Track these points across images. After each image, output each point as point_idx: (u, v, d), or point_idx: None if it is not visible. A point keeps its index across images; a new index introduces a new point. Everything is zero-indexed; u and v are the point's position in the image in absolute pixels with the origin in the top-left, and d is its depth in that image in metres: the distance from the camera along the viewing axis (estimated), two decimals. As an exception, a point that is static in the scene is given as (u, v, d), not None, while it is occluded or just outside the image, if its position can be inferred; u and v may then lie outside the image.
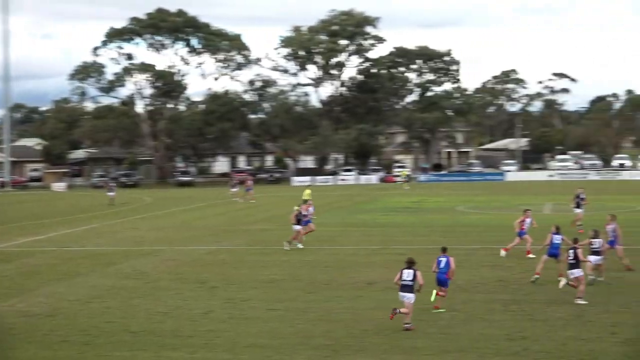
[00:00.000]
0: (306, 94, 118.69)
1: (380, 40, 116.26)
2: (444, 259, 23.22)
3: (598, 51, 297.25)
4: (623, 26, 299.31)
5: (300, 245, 36.23)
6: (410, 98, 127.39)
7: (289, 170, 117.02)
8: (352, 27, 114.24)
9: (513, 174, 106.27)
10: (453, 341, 19.53)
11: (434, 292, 22.99)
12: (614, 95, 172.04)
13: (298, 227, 36.82)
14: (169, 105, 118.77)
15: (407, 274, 21.04)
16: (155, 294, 25.88)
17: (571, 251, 23.54)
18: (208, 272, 29.99)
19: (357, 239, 39.61)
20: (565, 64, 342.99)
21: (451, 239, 38.00)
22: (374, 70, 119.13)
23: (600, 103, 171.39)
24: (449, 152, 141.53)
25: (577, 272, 23.30)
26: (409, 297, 20.92)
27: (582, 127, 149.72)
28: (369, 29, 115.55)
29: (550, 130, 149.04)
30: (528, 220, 32.22)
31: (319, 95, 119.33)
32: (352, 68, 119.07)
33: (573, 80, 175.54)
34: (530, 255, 30.87)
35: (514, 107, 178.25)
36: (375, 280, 27.39)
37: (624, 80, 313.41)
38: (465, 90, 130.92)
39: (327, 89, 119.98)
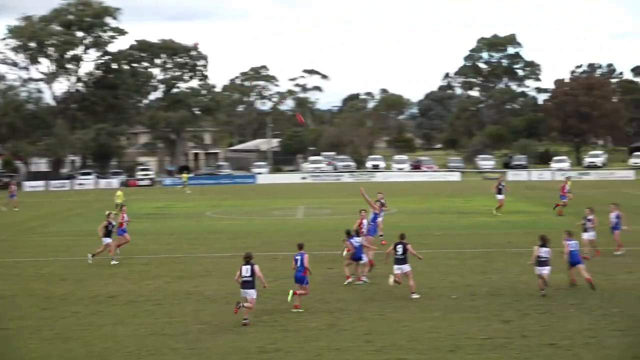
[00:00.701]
0: (39, 91, 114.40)
1: (121, 32, 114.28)
2: (299, 257, 24.15)
3: (351, 48, 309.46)
4: (377, 23, 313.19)
5: (114, 262, 33.33)
6: (154, 95, 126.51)
7: (19, 175, 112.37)
8: (90, 18, 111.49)
9: (264, 176, 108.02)
10: (201, 356, 19.53)
11: (291, 292, 23.85)
12: (368, 93, 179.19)
13: (108, 240, 33.69)
14: None
15: (246, 270, 22.40)
16: None
17: (399, 246, 25.24)
18: None
19: (96, 249, 38.56)
20: (318, 61, 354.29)
21: (200, 247, 38.10)
22: (114, 65, 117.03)
23: (353, 101, 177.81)
24: (196, 154, 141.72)
25: (405, 268, 25.36)
26: (250, 293, 22.35)
27: (335, 127, 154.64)
28: (108, 21, 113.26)
29: (302, 130, 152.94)
30: (365, 222, 32.87)
31: (53, 91, 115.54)
32: (90, 62, 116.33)
33: (325, 77, 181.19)
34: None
35: (264, 106, 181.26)
36: (116, 294, 26.91)
37: (377, 78, 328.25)
38: (213, 87, 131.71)
39: (63, 85, 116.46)
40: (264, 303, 24.78)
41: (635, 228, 42.79)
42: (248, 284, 22.49)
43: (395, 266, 25.71)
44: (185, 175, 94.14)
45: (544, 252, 25.56)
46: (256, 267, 22.62)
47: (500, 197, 51.60)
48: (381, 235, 35.42)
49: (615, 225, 33.81)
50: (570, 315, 22.72)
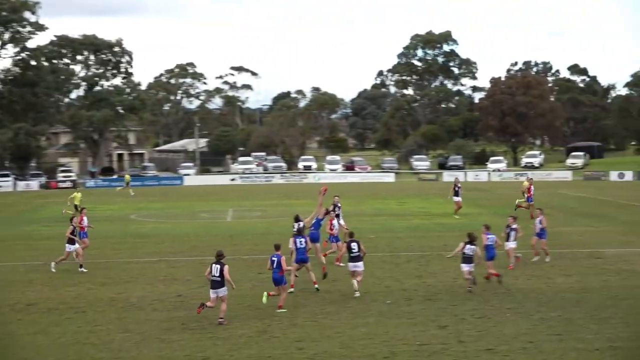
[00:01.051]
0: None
1: (40, 27, 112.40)
2: (276, 258, 24.32)
3: (282, 45, 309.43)
4: (310, 19, 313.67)
5: (83, 269, 32.12)
6: (76, 93, 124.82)
7: None
8: (6, 12, 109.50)
9: (192, 177, 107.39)
10: (127, 366, 19.35)
11: (265, 294, 24.26)
12: (299, 92, 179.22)
13: (73, 247, 32.22)
14: None
15: (215, 269, 22.89)
16: None
17: (354, 244, 26.20)
18: None
19: (16, 254, 38.03)
20: (248, 59, 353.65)
21: (124, 251, 37.74)
22: (33, 62, 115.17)
23: (284, 100, 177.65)
24: (120, 154, 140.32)
25: (360, 266, 26.45)
26: (220, 292, 22.92)
27: (266, 127, 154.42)
28: (27, 15, 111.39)
29: (232, 130, 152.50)
30: (335, 222, 33.29)
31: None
32: (7, 59, 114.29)
33: (255, 75, 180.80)
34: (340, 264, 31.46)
35: (192, 104, 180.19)
36: (36, 301, 26.49)
37: (310, 76, 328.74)
38: (138, 85, 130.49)
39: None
40: (193, 309, 24.61)
41: (574, 230, 43.59)
42: (217, 284, 22.94)
43: (351, 264, 26.43)
44: (128, 177, 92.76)
45: (469, 249, 26.40)
46: (225, 268, 22.93)
47: (457, 199, 51.93)
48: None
49: (541, 231, 32.57)
50: (507, 319, 22.98)
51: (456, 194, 52.00)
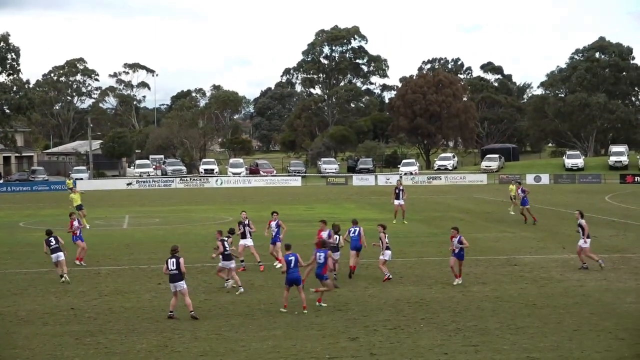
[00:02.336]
0: None
1: None
2: (293, 257, 25.44)
3: (182, 41, 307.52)
4: (211, 13, 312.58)
5: (65, 279, 31.34)
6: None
7: None
8: None
9: (85, 182, 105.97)
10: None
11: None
12: (199, 90, 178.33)
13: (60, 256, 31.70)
14: None
15: (172, 263, 24.50)
16: None
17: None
18: None
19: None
20: (144, 55, 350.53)
21: (12, 261, 37.05)
22: None
23: (183, 99, 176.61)
24: (6, 157, 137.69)
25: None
26: (179, 285, 24.47)
27: (164, 127, 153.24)
28: None
29: (127, 131, 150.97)
30: (273, 223, 34.01)
31: None
32: None
33: (151, 72, 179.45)
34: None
35: (84, 104, 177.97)
36: None
37: (211, 74, 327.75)
38: (27, 83, 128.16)
39: None
40: (87, 323, 24.31)
41: (489, 235, 44.28)
42: (176, 277, 24.50)
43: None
44: (69, 182, 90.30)
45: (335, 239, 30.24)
46: (182, 260, 24.62)
47: (397, 202, 51.53)
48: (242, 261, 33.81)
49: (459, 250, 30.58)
50: (421, 330, 23.20)
51: (397, 197, 51.60)
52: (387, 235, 30.77)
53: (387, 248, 30.51)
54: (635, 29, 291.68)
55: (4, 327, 24.33)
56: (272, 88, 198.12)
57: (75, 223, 36.27)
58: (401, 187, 52.23)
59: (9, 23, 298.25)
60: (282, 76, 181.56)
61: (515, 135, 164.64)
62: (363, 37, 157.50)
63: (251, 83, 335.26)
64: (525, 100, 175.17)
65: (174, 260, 24.53)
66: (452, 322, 24.07)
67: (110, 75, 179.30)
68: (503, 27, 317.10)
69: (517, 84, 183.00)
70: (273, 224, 34.29)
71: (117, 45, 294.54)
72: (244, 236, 33.55)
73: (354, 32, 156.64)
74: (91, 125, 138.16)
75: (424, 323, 24.04)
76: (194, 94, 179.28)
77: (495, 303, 26.61)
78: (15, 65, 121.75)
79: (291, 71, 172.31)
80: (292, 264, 25.37)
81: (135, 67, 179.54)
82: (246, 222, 33.91)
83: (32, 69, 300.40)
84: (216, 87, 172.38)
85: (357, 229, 31.59)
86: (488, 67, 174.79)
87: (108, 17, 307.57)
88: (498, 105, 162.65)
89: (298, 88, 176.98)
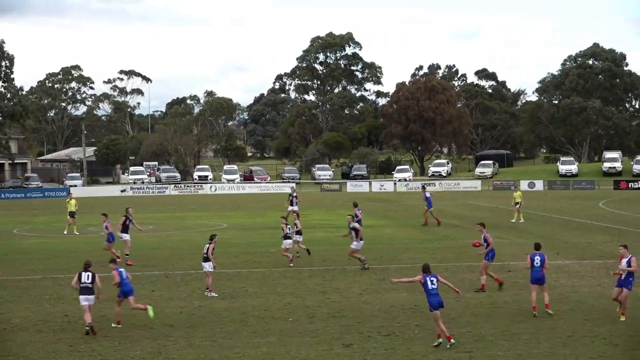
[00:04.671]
0: None
1: None
2: (539, 257, 25.43)
3: (177, 48, 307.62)
4: (205, 20, 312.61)
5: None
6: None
7: None
8: None
9: (79, 189, 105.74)
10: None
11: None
12: (193, 97, 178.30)
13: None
14: None
15: (86, 277, 24.11)
16: None
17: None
18: None
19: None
20: (140, 62, 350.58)
21: (6, 268, 36.97)
22: None
23: (178, 106, 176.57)
24: (1, 165, 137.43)
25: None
26: (90, 299, 24.05)
27: (158, 134, 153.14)
28: None
29: (121, 138, 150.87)
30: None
31: None
32: None
33: (146, 79, 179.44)
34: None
35: (78, 111, 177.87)
36: None
37: (205, 81, 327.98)
38: (20, 90, 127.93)
39: None
40: (80, 331, 24.28)
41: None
42: (88, 290, 24.08)
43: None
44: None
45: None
46: (97, 276, 24.34)
47: (292, 208, 51.84)
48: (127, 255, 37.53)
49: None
50: (415, 337, 23.21)
51: (291, 203, 52.43)
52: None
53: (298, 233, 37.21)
54: (632, 35, 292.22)
55: (-3, 335, 24.31)
56: (266, 94, 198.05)
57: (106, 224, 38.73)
58: (295, 194, 53.51)
59: (6, 29, 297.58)
60: (274, 82, 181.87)
61: (509, 141, 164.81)
62: (357, 44, 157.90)
63: (247, 89, 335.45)
64: (520, 106, 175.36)
65: (89, 274, 24.16)
66: (446, 328, 24.08)
67: (105, 82, 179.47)
68: (499, 34, 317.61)
69: (512, 91, 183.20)
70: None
71: (113, 52, 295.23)
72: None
73: (348, 38, 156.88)
74: (85, 132, 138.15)
75: (418, 329, 24.05)
76: (188, 101, 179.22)
77: (490, 309, 26.65)
78: (9, 73, 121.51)
79: (284, 78, 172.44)
80: (537, 262, 25.59)
81: (130, 74, 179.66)
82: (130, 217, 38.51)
83: (27, 76, 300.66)
84: (210, 94, 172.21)
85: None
86: (482, 73, 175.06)
87: (104, 24, 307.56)
88: (492, 111, 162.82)
89: (292, 94, 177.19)
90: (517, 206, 55.68)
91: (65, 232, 52.26)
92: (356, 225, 35.33)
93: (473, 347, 21.99)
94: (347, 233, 35.41)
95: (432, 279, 22.10)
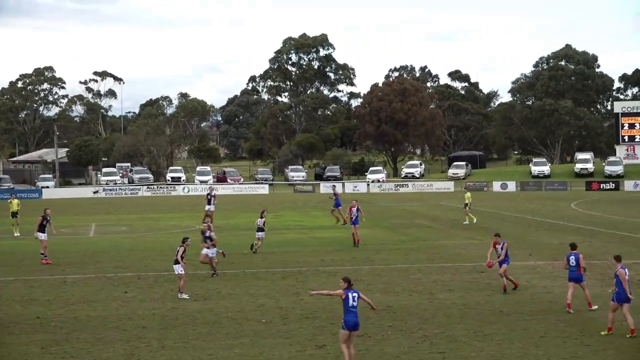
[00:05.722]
0: None
1: None
2: (573, 257, 25.88)
3: (151, 48, 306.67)
4: (177, 20, 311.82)
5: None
6: None
7: None
8: None
9: (51, 190, 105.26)
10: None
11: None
12: (165, 98, 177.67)
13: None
14: None
15: None
16: None
17: None
18: None
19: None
20: (113, 63, 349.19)
21: (-24, 271, 36.68)
22: None
23: (150, 107, 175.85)
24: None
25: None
26: None
27: (131, 135, 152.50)
28: None
29: (94, 139, 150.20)
30: (354, 209, 43.27)
31: None
32: None
33: (119, 80, 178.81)
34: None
35: (50, 111, 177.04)
36: None
37: (179, 82, 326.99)
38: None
39: None
40: (55, 332, 24.14)
41: (456, 243, 44.43)
42: None
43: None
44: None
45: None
46: None
47: (209, 207, 54.64)
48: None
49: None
50: (388, 337, 23.23)
51: (209, 202, 55.77)
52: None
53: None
54: (605, 37, 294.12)
55: (-32, 337, 24.10)
56: (239, 96, 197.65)
57: None
58: (213, 194, 57.34)
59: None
60: (247, 84, 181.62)
61: (482, 142, 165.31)
62: (330, 45, 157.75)
63: (221, 90, 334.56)
64: (492, 107, 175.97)
65: None
66: (419, 329, 24.11)
67: (80, 82, 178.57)
68: (474, 36, 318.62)
69: (485, 92, 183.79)
70: (354, 209, 43.53)
71: (86, 53, 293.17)
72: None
73: (322, 40, 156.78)
74: (57, 133, 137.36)
75: (391, 330, 24.07)
76: (161, 102, 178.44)
77: (462, 310, 26.71)
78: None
79: (257, 79, 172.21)
80: (572, 262, 25.88)
81: (103, 75, 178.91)
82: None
83: (2, 76, 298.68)
84: (183, 95, 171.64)
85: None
86: (455, 75, 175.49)
87: (78, 24, 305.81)
88: (465, 112, 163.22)
89: (265, 96, 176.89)
90: (467, 208, 55.96)
91: (16, 234, 52.20)
92: (211, 234, 34.10)
93: (446, 347, 22.02)
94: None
95: (354, 294, 20.01)
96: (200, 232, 35.02)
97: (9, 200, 55.89)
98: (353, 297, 19.83)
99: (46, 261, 37.95)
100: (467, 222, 55.17)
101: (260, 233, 40.92)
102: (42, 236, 38.85)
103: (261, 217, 40.87)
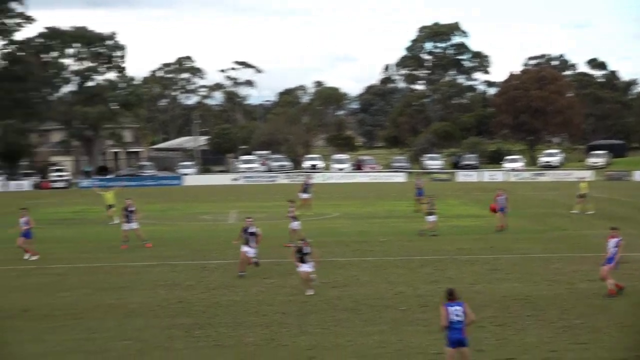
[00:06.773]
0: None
1: (28, 19, 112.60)
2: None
3: (288, 39, 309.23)
4: (314, 12, 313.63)
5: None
6: (67, 88, 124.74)
7: None
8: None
9: (192, 177, 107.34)
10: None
11: None
12: (302, 87, 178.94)
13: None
14: None
15: None
16: None
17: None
18: None
19: (6, 257, 37.98)
20: (250, 53, 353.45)
21: (121, 255, 37.70)
22: (21, 54, 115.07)
23: (287, 96, 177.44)
24: (116, 153, 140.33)
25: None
26: None
27: (269, 124, 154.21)
28: (14, 6, 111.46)
29: (233, 127, 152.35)
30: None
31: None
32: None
33: (258, 70, 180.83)
34: None
35: (190, 100, 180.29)
36: (29, 307, 26.48)
37: (316, 70, 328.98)
38: (132, 79, 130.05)
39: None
40: (197, 316, 24.67)
41: (597, 233, 43.49)
42: None
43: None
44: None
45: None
46: None
47: (305, 195, 56.59)
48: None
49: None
50: (528, 327, 22.95)
51: (305, 191, 57.23)
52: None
53: None
54: None
55: (114, 319, 24.78)
56: (375, 84, 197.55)
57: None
58: (309, 182, 59.35)
59: (118, 21, 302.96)
60: (383, 72, 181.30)
61: (622, 131, 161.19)
62: (464, 33, 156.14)
63: (356, 79, 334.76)
64: (632, 96, 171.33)
65: None
66: (559, 319, 23.74)
67: (220, 71, 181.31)
68: (610, 24, 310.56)
69: (623, 80, 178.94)
70: (501, 198, 44.93)
71: (224, 43, 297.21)
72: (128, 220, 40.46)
73: (454, 28, 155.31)
74: (197, 121, 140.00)
75: (531, 320, 23.77)
76: (297, 92, 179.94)
77: (604, 300, 26.16)
78: (121, 63, 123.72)
79: (389, 67, 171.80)
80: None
81: (243, 64, 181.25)
82: (131, 208, 40.70)
83: (141, 66, 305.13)
84: (319, 84, 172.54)
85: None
86: (593, 63, 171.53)
87: (217, 15, 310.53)
88: (604, 101, 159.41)
89: (400, 84, 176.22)
90: (582, 198, 54.49)
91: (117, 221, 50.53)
92: (256, 230, 31.93)
93: (588, 338, 21.65)
94: None
95: (456, 308, 17.98)
96: (242, 229, 32.15)
97: (104, 193, 55.20)
98: (455, 312, 17.89)
99: (148, 245, 40.14)
100: (575, 212, 53.90)
101: (431, 217, 43.21)
102: (127, 226, 40.43)
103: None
